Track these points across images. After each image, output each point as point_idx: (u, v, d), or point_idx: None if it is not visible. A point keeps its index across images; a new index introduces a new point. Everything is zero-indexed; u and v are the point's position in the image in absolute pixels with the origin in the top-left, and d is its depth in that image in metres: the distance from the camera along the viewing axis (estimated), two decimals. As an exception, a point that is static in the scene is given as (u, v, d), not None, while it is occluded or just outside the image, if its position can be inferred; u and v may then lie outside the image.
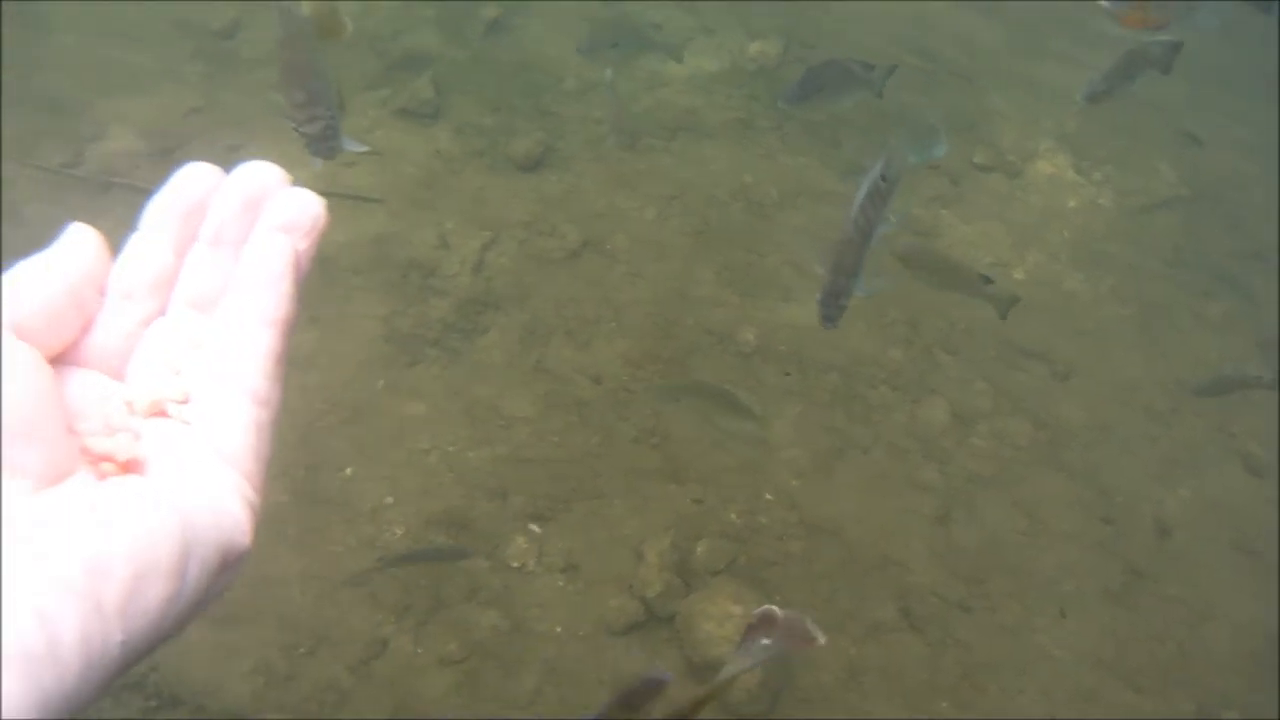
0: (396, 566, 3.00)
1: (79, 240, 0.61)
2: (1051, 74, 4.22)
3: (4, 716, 0.42)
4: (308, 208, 0.63)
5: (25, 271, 0.59)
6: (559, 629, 2.98)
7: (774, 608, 0.88)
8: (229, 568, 0.56)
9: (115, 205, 3.63)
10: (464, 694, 2.89)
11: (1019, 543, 3.24)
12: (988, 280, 3.11)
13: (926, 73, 4.11)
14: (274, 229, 0.62)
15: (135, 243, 0.64)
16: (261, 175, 0.64)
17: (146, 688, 2.79)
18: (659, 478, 3.19)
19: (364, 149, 2.18)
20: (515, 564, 3.04)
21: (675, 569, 3.02)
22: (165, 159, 3.82)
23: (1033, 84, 4.14)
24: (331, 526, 3.06)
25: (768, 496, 3.19)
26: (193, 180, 0.64)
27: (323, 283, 3.43)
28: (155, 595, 0.50)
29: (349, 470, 3.16)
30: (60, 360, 0.59)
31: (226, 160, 0.63)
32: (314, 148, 2.07)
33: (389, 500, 3.13)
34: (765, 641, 0.98)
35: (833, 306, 2.45)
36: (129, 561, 0.49)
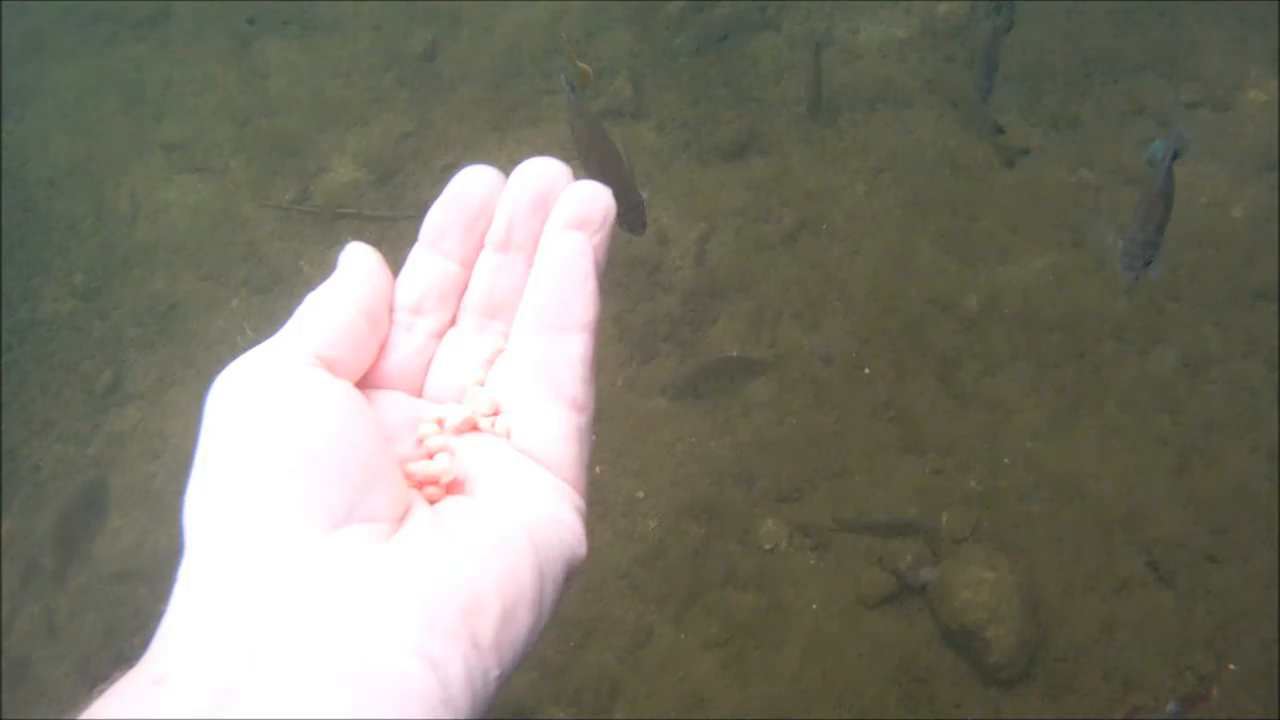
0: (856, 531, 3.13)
1: (360, 259, 0.59)
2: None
3: None
4: (599, 200, 0.60)
5: (316, 301, 0.57)
6: (815, 605, 3.10)
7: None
8: (571, 580, 0.55)
9: (345, 234, 3.85)
10: (731, 673, 3.04)
11: (1262, 488, 3.22)
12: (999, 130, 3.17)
13: (1124, 10, 4.02)
14: (568, 226, 0.60)
15: (418, 254, 0.62)
16: (547, 171, 0.61)
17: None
18: (897, 450, 3.27)
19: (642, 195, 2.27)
20: (767, 546, 3.18)
21: (924, 538, 3.11)
22: (386, 184, 4.04)
23: (1235, 8, 4.00)
24: (588, 524, 3.23)
25: (1005, 460, 3.24)
26: (473, 184, 0.62)
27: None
28: (523, 623, 0.50)
29: (598, 469, 3.33)
30: (362, 385, 0.58)
31: (444, 180, 0.63)
32: (630, 227, 2.18)
33: (640, 494, 3.29)
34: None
35: (1138, 257, 2.43)
36: (499, 596, 0.49)
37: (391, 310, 0.61)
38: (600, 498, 3.27)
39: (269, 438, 0.51)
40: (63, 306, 4.00)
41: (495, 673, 0.49)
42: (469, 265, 0.63)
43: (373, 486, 0.51)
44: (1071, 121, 3.78)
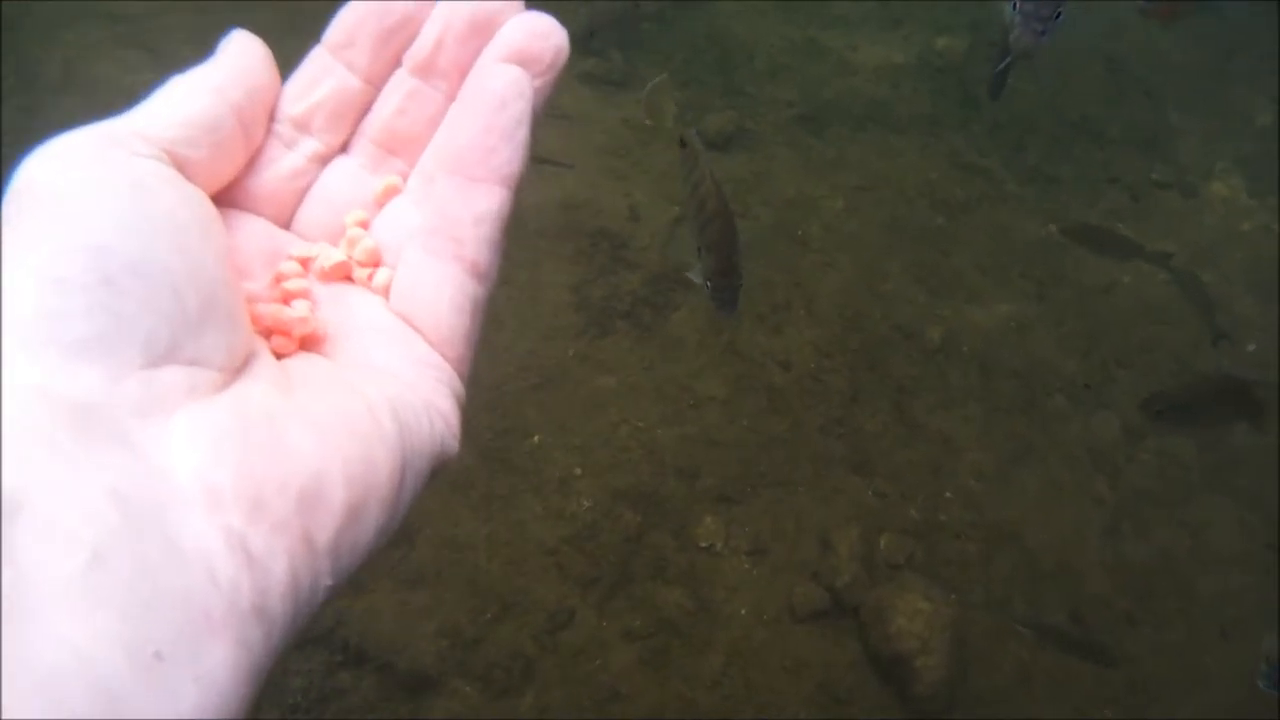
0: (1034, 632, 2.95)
1: (243, 47, 0.48)
2: (1236, 96, 4.23)
3: (212, 696, 0.33)
4: (550, 36, 0.50)
5: (179, 87, 0.46)
6: (744, 611, 3.02)
7: None
8: (433, 480, 0.46)
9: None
10: (650, 669, 2.93)
11: (1184, 563, 3.28)
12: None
13: (1108, 82, 4.11)
14: (508, 59, 0.49)
15: (315, 59, 0.51)
16: None
17: (334, 642, 2.80)
18: (844, 468, 3.23)
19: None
20: (704, 544, 3.08)
21: (862, 561, 3.06)
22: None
23: (1215, 104, 4.14)
24: (519, 494, 3.09)
25: (948, 495, 3.23)
26: None
27: (512, 243, 3.42)
28: (371, 525, 0.41)
29: (537, 438, 3.18)
30: (217, 201, 0.47)
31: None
32: (720, 304, 2.06)
33: (577, 471, 3.16)
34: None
35: (1038, 22, 2.16)
36: (348, 485, 0.40)
37: (272, 120, 0.50)
38: (536, 469, 3.12)
39: (78, 234, 0.38)
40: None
41: (327, 581, 0.39)
42: (375, 85, 0.52)
43: (207, 321, 0.40)
44: (1049, 179, 3.83)
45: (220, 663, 0.33)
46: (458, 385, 0.50)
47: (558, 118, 3.72)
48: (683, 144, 2.07)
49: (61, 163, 0.40)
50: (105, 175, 0.40)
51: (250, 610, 0.35)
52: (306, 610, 0.38)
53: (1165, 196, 3.89)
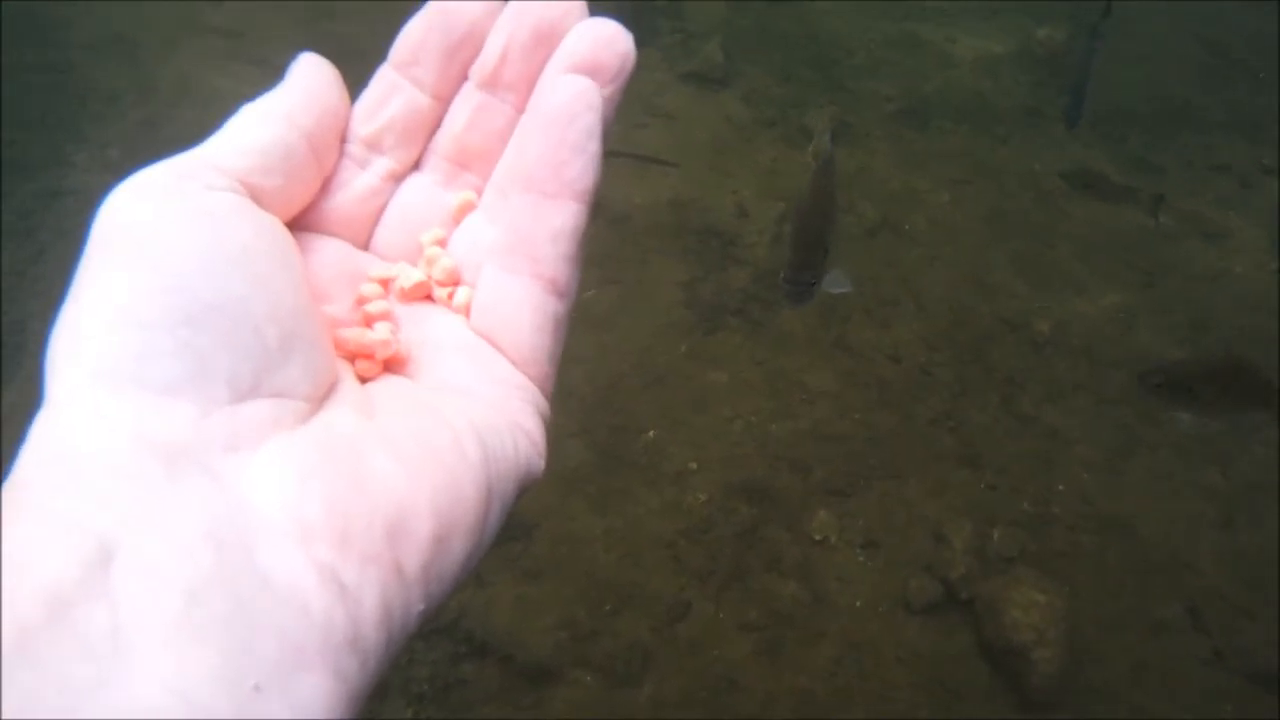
0: None
1: (311, 72, 0.48)
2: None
3: None
4: (615, 44, 0.48)
5: (249, 115, 0.46)
6: (858, 603, 3.05)
7: None
8: (521, 498, 0.46)
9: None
10: (765, 660, 2.97)
11: (1300, 552, 3.26)
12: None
13: (1211, 68, 4.06)
14: (575, 70, 0.48)
15: (383, 78, 0.51)
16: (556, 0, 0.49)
17: (456, 633, 2.87)
18: (954, 461, 3.24)
19: (844, 289, 2.11)
20: (817, 537, 3.12)
21: (975, 553, 3.09)
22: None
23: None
24: (634, 488, 3.15)
25: (1060, 488, 3.24)
26: (462, 3, 0.50)
27: (621, 242, 3.50)
28: (459, 552, 0.41)
29: (651, 433, 3.24)
30: (294, 227, 0.47)
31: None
32: (793, 297, 2.05)
33: (692, 466, 3.21)
34: None
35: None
36: (435, 514, 0.40)
37: (343, 141, 0.49)
38: (651, 464, 3.18)
39: (158, 273, 0.38)
40: (94, 179, 3.77)
41: (419, 608, 0.39)
42: (444, 100, 0.51)
43: (291, 353, 0.40)
44: (1153, 168, 3.80)
45: (317, 693, 0.34)
46: (542, 403, 0.49)
47: (661, 117, 3.77)
48: (816, 154, 2.09)
49: (138, 200, 0.41)
50: (181, 211, 0.40)
51: (344, 641, 0.35)
52: (400, 637, 0.38)
53: (1275, 183, 3.84)
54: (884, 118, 3.85)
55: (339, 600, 0.35)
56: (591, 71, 0.47)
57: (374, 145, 0.50)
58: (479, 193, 0.52)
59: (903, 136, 3.80)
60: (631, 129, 3.72)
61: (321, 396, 0.41)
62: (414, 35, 0.50)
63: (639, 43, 0.48)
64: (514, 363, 0.48)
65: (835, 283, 2.20)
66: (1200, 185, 3.79)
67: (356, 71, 0.53)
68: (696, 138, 3.76)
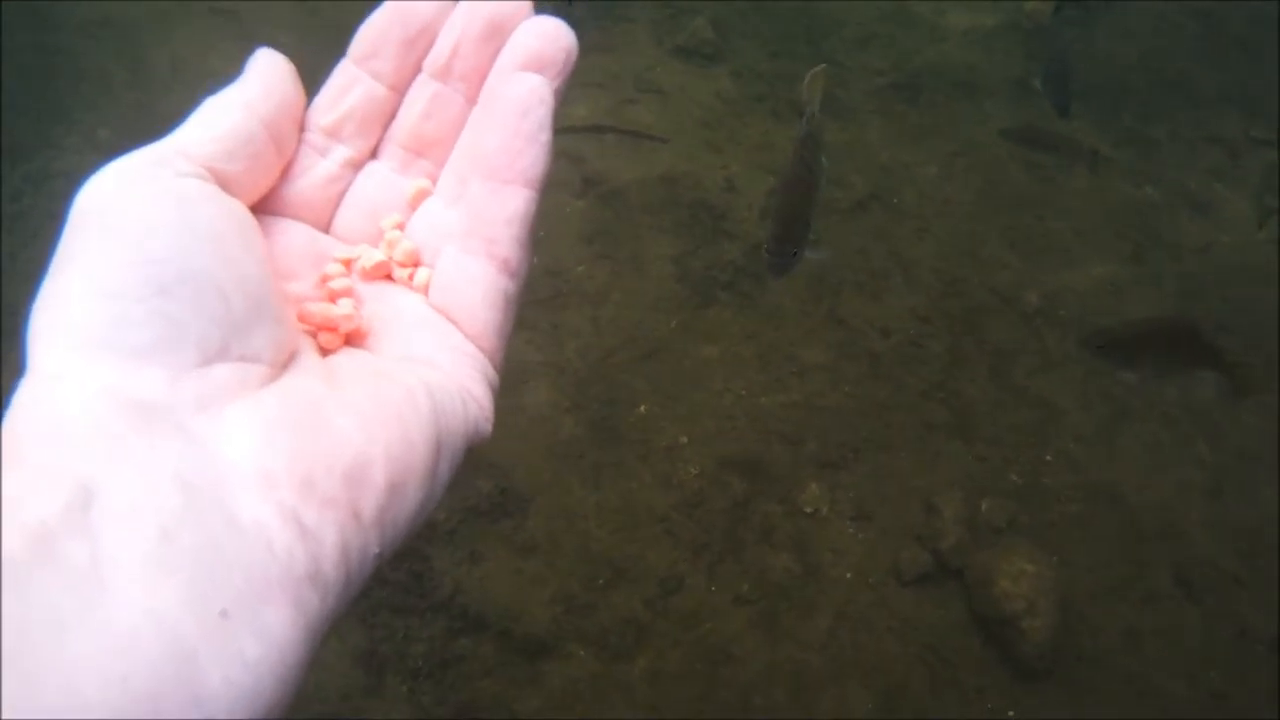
0: None
1: (269, 66, 0.52)
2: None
3: (273, 651, 0.37)
4: (560, 39, 0.53)
5: (213, 106, 0.50)
6: (850, 574, 3.07)
7: None
8: (468, 459, 0.50)
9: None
10: (760, 633, 2.99)
11: (1289, 522, 3.27)
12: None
13: (1206, 41, 4.06)
14: (525, 66, 0.52)
15: (343, 71, 0.55)
16: None
17: (453, 609, 2.90)
18: (945, 432, 3.26)
19: (821, 256, 2.12)
20: (809, 509, 3.14)
21: (965, 524, 3.10)
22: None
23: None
24: (627, 462, 3.16)
25: (1048, 458, 3.25)
26: (418, 2, 0.54)
27: (612, 218, 3.51)
28: (412, 500, 0.45)
29: (643, 408, 3.25)
30: (258, 211, 0.51)
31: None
32: (773, 268, 2.07)
33: (684, 440, 3.22)
34: None
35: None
36: (389, 465, 0.43)
37: (302, 130, 0.53)
38: (643, 438, 3.19)
39: (132, 249, 0.42)
40: (85, 161, 3.78)
41: (374, 550, 0.43)
42: (400, 91, 0.56)
43: (256, 322, 0.44)
44: (1145, 140, 3.80)
45: (279, 621, 0.37)
46: (491, 373, 0.53)
47: (652, 93, 3.76)
48: (805, 120, 2.10)
49: (115, 185, 0.44)
50: (154, 194, 0.44)
51: (305, 576, 0.39)
52: (358, 577, 0.42)
53: (1265, 154, 3.85)
54: (874, 91, 3.85)
55: (300, 539, 0.39)
56: (540, 67, 0.52)
57: (334, 134, 0.54)
58: (433, 179, 0.56)
59: (893, 110, 3.80)
60: (622, 104, 3.72)
61: (284, 363, 0.45)
62: (373, 31, 0.54)
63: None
64: (467, 336, 0.52)
65: (816, 251, 2.22)
66: (1191, 158, 3.79)
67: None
68: (688, 113, 3.76)
